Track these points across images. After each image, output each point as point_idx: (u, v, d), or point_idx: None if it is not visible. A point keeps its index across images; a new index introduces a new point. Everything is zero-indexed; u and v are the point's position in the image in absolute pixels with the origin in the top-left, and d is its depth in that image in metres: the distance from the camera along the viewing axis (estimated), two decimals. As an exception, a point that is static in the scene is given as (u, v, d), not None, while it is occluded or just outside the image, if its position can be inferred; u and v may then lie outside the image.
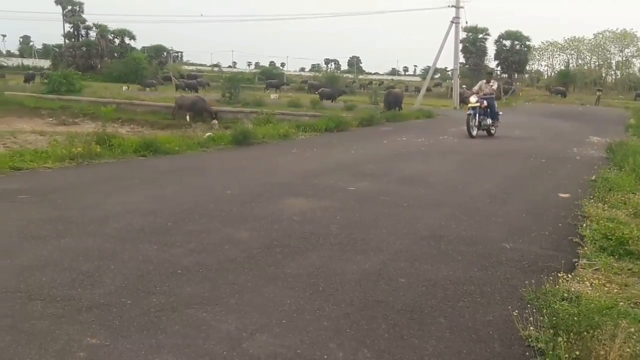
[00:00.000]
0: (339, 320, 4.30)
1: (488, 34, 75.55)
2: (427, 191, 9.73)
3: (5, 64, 71.36)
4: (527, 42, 77.70)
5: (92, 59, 75.04)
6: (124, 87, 48.47)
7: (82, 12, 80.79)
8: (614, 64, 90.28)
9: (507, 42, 77.15)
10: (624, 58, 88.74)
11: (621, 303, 4.77)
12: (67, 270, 5.07)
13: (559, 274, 5.36)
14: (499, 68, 79.64)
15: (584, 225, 7.39)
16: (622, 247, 6.31)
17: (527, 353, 3.96)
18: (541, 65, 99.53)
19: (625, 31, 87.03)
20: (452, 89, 50.21)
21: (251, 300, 4.58)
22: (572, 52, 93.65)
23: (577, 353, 3.69)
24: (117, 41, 78.86)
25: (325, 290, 4.87)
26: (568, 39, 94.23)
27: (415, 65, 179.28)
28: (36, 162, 10.73)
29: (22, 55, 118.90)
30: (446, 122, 26.86)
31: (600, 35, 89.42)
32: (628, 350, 3.67)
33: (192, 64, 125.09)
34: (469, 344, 4.06)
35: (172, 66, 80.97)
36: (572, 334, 3.94)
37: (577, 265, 5.91)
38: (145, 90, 48.48)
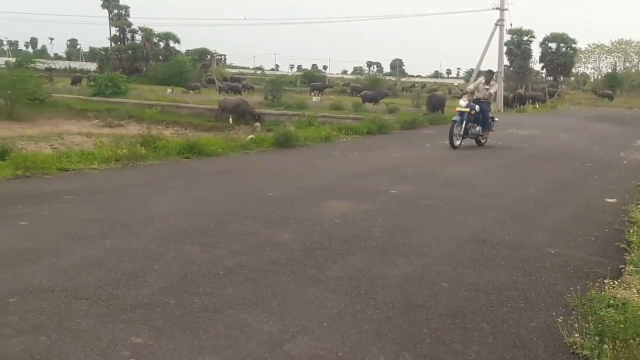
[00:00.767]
0: (381, 323, 4.28)
1: (533, 36, 74.74)
2: (470, 195, 9.64)
3: (54, 67, 72.77)
4: (573, 45, 76.59)
5: (138, 62, 76.20)
6: (168, 90, 49.09)
7: (128, 15, 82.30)
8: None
9: (553, 45, 76.20)
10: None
11: (670, 311, 4.66)
12: (112, 270, 5.15)
13: (605, 280, 5.26)
14: (544, 71, 78.61)
15: (631, 231, 7.24)
16: (672, 254, 6.16)
17: (572, 360, 3.90)
18: (587, 68, 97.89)
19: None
20: (496, 92, 49.60)
21: (293, 302, 4.60)
22: (620, 54, 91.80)
23: (624, 361, 3.62)
24: (161, 44, 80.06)
25: (367, 294, 4.86)
26: (615, 41, 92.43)
27: (458, 68, 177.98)
28: (83, 163, 10.93)
29: (69, 58, 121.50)
30: (490, 125, 26.55)
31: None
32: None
33: (235, 67, 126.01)
34: (512, 350, 4.01)
35: (215, 69, 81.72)
36: (618, 341, 3.86)
37: (624, 271, 5.79)
38: (189, 93, 49.02)
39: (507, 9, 41.53)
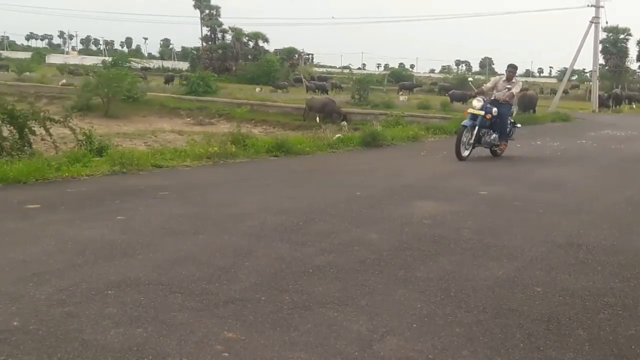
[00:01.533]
0: (472, 327, 4.21)
1: (630, 34, 71.77)
2: (564, 197, 9.36)
3: (149, 66, 75.23)
4: (674, 44, 73.11)
5: (228, 61, 77.77)
6: (257, 89, 49.93)
7: (219, 16, 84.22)
8: None
9: (652, 43, 72.93)
10: None
11: None
12: (205, 265, 5.27)
13: None
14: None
15: None
16: None
17: (676, 373, 3.73)
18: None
19: None
20: (590, 91, 48.01)
21: (382, 302, 4.58)
22: None
23: None
24: (251, 44, 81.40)
25: (457, 296, 4.78)
26: None
27: (550, 67, 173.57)
28: (175, 160, 11.25)
29: (162, 57, 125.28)
30: (584, 125, 25.77)
31: None
32: None
33: (323, 66, 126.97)
34: (610, 358, 3.86)
35: (303, 68, 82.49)
36: None
37: None
38: (277, 92, 49.68)
39: (602, 6, 40.15)
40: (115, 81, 32.18)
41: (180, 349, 3.68)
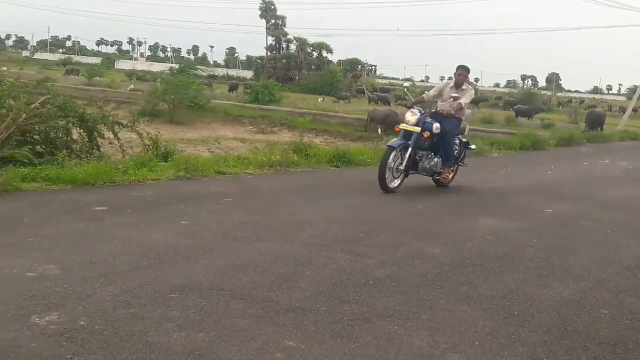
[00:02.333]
0: (536, 347, 4.11)
1: None
2: (633, 218, 9.09)
3: (215, 74, 76.48)
4: None
5: (291, 71, 78.30)
6: (320, 99, 50.07)
7: (285, 26, 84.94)
8: None
9: None
10: None
11: None
12: (266, 272, 5.30)
13: None
14: None
15: None
16: None
17: None
18: None
19: None
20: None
21: (443, 318, 4.52)
22: None
23: None
24: (315, 54, 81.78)
25: (521, 315, 4.69)
26: None
27: (620, 84, 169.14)
28: (239, 167, 11.36)
29: (227, 66, 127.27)
30: (655, 145, 24.98)
31: None
32: None
33: (385, 78, 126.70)
34: (682, 388, 3.72)
35: (365, 79, 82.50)
36: None
37: None
38: (339, 103, 49.76)
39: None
40: (181, 88, 32.77)
41: (241, 356, 3.70)
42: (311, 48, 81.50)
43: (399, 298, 4.89)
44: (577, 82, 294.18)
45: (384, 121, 30.74)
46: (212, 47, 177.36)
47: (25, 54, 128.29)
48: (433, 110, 10.42)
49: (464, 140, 10.96)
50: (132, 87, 47.60)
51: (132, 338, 3.84)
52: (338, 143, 24.90)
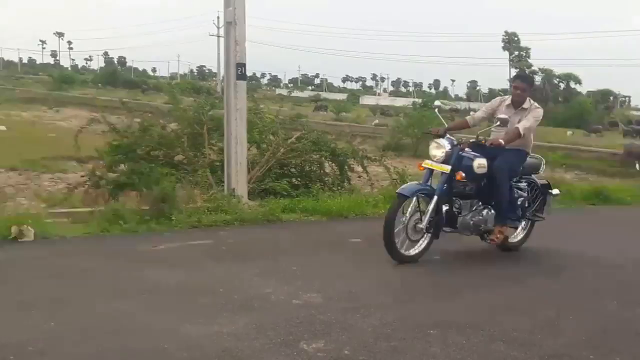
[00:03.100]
0: None
1: None
2: None
3: (457, 107, 76.38)
4: None
5: (537, 102, 75.81)
6: (569, 132, 47.84)
7: (529, 57, 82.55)
8: None
9: None
10: None
11: None
12: (526, 315, 5.11)
13: None
14: None
15: None
16: None
17: None
18: None
19: None
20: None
21: None
22: None
23: None
24: (562, 85, 78.50)
25: None
26: None
27: None
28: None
29: (469, 99, 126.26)
30: None
31: None
32: None
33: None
34: None
35: (619, 111, 77.27)
36: None
37: None
38: (590, 136, 47.11)
39: None
40: (425, 122, 33.14)
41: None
42: (558, 79, 78.34)
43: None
44: None
45: (642, 156, 28.55)
46: (453, 80, 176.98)
47: (279, 91, 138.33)
48: (472, 140, 7.06)
49: (540, 181, 7.73)
50: (377, 121, 48.98)
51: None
52: (590, 179, 23.55)
